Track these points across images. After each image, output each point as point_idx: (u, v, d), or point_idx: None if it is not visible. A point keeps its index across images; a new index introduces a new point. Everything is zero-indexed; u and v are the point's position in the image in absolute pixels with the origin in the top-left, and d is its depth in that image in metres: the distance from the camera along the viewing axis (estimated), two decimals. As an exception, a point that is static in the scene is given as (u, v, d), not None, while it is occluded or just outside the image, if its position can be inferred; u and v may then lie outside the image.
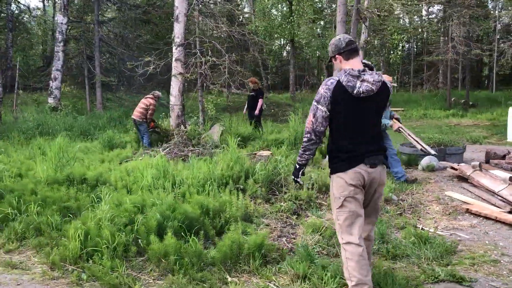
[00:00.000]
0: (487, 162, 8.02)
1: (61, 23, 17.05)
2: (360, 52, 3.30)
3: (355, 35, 8.46)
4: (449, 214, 5.32)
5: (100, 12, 16.68)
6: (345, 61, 3.20)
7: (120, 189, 5.86)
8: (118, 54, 16.60)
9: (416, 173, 7.58)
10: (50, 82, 17.03)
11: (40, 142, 8.92)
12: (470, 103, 25.34)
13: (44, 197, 5.45)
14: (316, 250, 4.23)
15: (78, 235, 4.07)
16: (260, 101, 12.02)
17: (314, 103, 3.16)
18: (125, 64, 16.68)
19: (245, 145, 10.09)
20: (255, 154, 7.19)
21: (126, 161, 8.35)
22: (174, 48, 11.34)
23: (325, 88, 3.11)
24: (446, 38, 35.93)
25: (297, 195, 5.72)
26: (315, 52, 33.58)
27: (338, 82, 3.08)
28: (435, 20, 34.33)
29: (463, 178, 6.70)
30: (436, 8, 35.54)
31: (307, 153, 3.29)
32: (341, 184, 3.12)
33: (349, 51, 3.19)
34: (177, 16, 11.20)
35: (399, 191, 6.34)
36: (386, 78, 3.77)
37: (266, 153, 7.12)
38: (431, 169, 7.57)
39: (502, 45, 27.09)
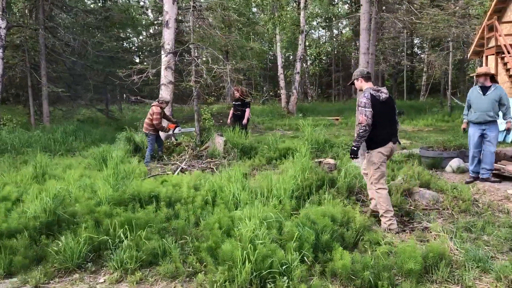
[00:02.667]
0: (496, 162, 8.60)
1: (0, 27, 15.25)
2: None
3: (375, 42, 8.60)
4: (537, 211, 5.59)
5: (45, 16, 15.14)
6: (365, 82, 5.24)
7: (201, 205, 5.35)
8: (70, 63, 15.16)
9: (447, 175, 7.89)
10: (-12, 93, 15.08)
11: (38, 160, 7.76)
12: (397, 110, 27.16)
13: (128, 219, 4.77)
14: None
15: (246, 257, 3.59)
16: (248, 110, 11.76)
17: (362, 107, 4.95)
18: (74, 73, 15.40)
19: (250, 155, 9.80)
20: (320, 162, 6.98)
21: (150, 176, 7.63)
22: (163, 55, 10.71)
23: (366, 98, 4.96)
24: (357, 52, 38.28)
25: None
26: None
27: (371, 93, 5.00)
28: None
29: (503, 177, 7.15)
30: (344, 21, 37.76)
31: (362, 139, 5.01)
32: (379, 155, 5.05)
33: (367, 77, 5.27)
34: (167, 21, 10.62)
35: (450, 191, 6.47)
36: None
37: (331, 161, 6.95)
38: (461, 170, 7.94)
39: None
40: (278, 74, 25.98)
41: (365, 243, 4.41)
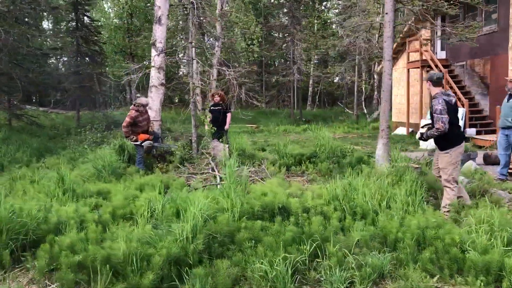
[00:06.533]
0: (487, 164, 9.47)
1: None
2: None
3: (392, 49, 8.89)
4: None
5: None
6: (433, 87, 5.56)
7: (339, 215, 4.96)
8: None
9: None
10: None
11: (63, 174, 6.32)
12: (303, 119, 28.25)
13: (296, 234, 4.25)
14: None
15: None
16: (229, 115, 11.20)
17: (438, 114, 5.30)
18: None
19: (253, 160, 9.34)
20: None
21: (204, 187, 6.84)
22: (154, 54, 9.71)
23: (441, 104, 5.29)
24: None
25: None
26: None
27: (443, 99, 5.34)
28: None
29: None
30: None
31: (436, 134, 5.37)
32: (458, 154, 5.47)
33: (437, 82, 5.55)
34: (159, 17, 9.68)
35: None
36: None
37: (414, 165, 6.93)
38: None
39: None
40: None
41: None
